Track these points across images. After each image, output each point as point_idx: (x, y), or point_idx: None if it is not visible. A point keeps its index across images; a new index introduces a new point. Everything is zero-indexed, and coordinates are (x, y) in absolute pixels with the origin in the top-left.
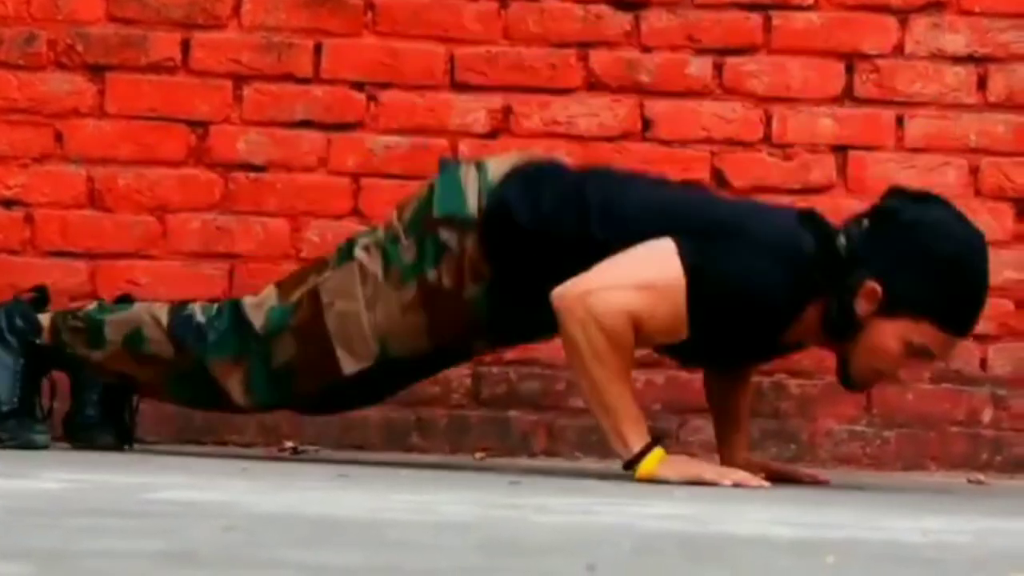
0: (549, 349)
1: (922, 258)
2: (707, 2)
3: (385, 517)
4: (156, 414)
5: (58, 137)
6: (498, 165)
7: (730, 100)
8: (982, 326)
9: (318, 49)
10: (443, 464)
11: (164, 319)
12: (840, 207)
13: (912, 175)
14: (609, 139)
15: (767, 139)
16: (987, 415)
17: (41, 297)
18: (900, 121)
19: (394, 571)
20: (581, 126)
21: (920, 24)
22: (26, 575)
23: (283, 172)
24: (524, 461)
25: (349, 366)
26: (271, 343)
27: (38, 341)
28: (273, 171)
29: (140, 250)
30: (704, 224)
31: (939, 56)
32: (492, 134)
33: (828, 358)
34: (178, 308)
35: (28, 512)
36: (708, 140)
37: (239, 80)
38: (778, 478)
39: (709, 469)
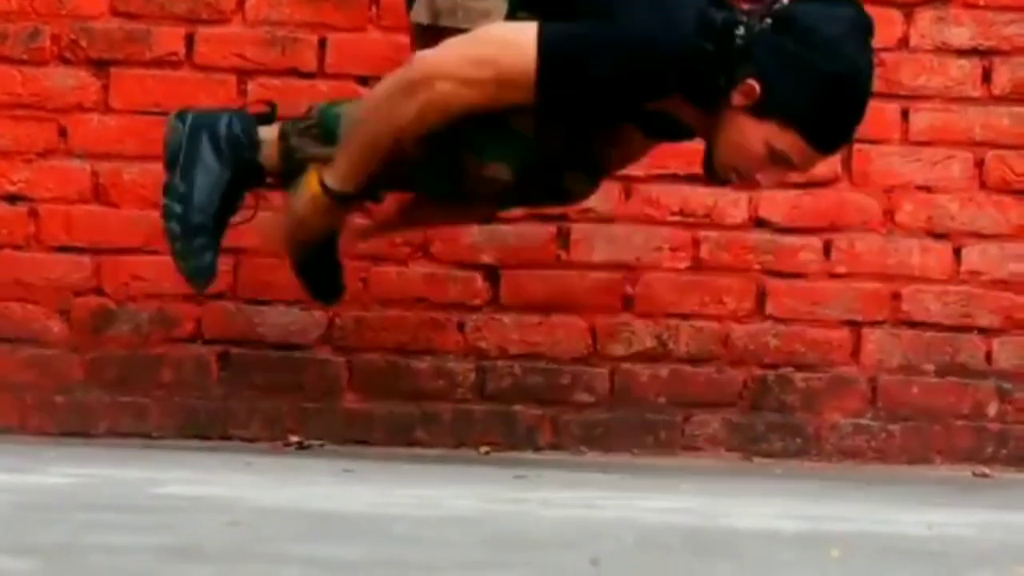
0: (553, 343)
1: (806, 70)
2: None
3: (390, 512)
4: (161, 409)
5: (62, 132)
6: None
7: None
8: (987, 319)
9: (323, 44)
10: (448, 458)
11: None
12: (845, 201)
13: (917, 168)
14: None
15: None
16: (992, 408)
17: (271, 115)
18: (905, 114)
19: (399, 565)
20: None
21: (925, 17)
22: (32, 570)
23: None
24: (529, 455)
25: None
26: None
27: (256, 158)
28: None
29: (145, 245)
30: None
31: (944, 49)
32: None
33: (833, 352)
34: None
35: (34, 507)
36: None
37: (243, 75)
38: None
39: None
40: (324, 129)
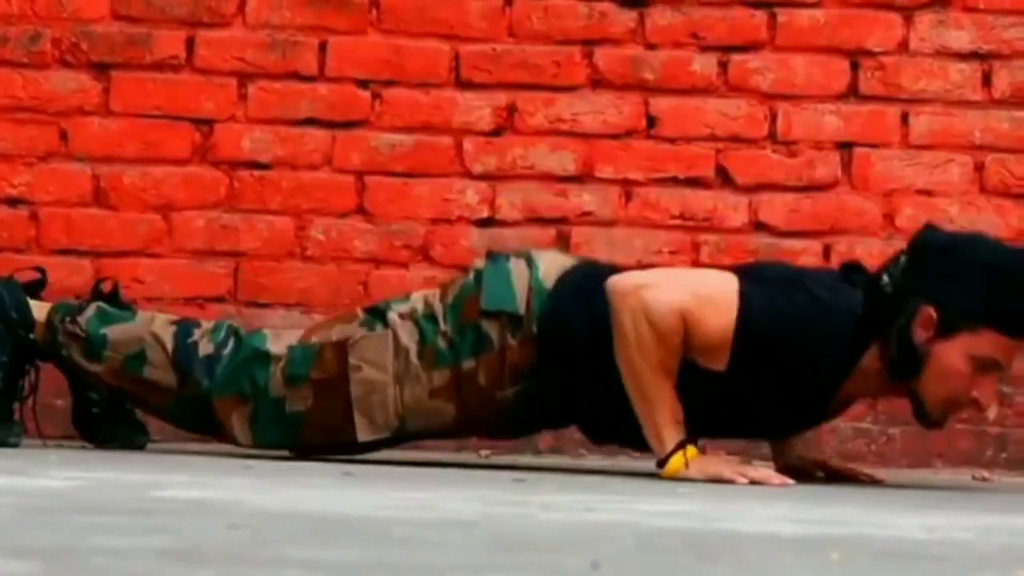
0: None
1: (968, 270)
2: None
3: (390, 515)
4: None
5: (63, 135)
6: (548, 264)
7: (735, 97)
8: None
9: (323, 47)
10: (448, 462)
11: (168, 343)
12: (845, 204)
13: (917, 172)
14: (614, 136)
15: (772, 136)
16: (992, 412)
17: (40, 281)
18: (905, 118)
19: (399, 568)
20: (586, 124)
21: (925, 21)
22: (33, 573)
23: (288, 170)
24: (529, 458)
25: (364, 434)
26: (287, 389)
27: (31, 336)
28: (278, 169)
29: (145, 248)
30: (763, 277)
31: (944, 53)
32: (497, 132)
33: None
34: (182, 332)
35: (35, 510)
36: (713, 137)
37: (244, 78)
38: (836, 476)
39: (730, 467)
40: (91, 344)
